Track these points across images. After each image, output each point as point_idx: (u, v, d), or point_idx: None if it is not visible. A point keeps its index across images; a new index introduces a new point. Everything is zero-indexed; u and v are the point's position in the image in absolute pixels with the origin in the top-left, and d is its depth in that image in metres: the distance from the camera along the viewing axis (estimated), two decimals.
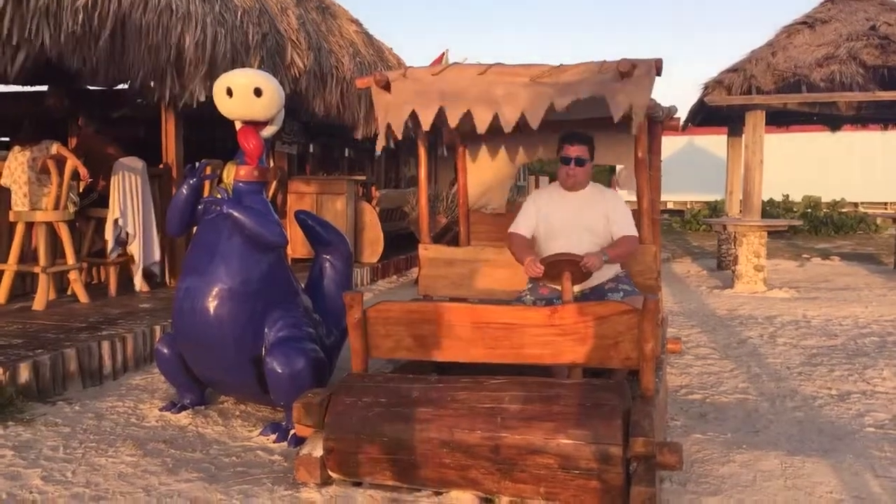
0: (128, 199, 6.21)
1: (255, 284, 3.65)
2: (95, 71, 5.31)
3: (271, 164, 8.40)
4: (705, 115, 10.12)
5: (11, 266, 5.72)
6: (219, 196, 3.76)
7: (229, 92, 3.57)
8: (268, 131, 3.81)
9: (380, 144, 3.55)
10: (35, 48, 4.57)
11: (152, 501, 2.93)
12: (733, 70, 8.87)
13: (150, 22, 5.39)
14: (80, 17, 4.79)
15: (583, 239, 3.71)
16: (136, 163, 6.35)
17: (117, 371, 4.73)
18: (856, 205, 19.11)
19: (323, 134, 10.15)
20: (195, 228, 3.87)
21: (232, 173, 3.77)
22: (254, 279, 3.65)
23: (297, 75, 7.27)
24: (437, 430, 2.85)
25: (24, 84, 7.43)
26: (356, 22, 9.60)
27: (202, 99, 5.94)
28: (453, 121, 3.34)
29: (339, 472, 3.01)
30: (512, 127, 3.31)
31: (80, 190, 6.37)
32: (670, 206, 20.64)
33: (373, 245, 9.30)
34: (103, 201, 6.34)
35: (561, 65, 3.40)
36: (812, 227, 15.96)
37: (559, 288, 3.61)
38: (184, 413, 3.98)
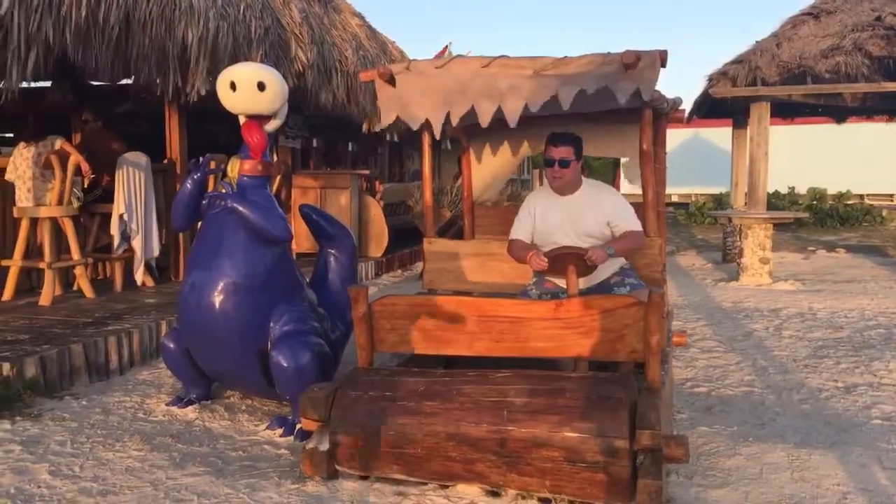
0: (132, 194, 6.22)
1: (260, 279, 3.65)
2: (99, 66, 5.31)
3: (275, 158, 8.39)
4: (710, 107, 10.09)
5: (17, 262, 5.73)
6: (223, 191, 3.76)
7: (233, 86, 3.57)
8: (271, 125, 3.80)
9: (384, 124, 3.51)
10: (41, 43, 4.57)
11: (159, 495, 2.94)
12: (738, 62, 8.84)
13: (154, 16, 5.38)
14: (84, 12, 4.79)
15: (581, 244, 3.67)
16: (141, 158, 6.36)
17: (124, 366, 4.74)
18: (861, 197, 19.03)
19: (326, 128, 10.13)
20: (200, 223, 3.87)
21: (236, 168, 3.77)
22: (259, 273, 3.65)
23: (301, 69, 7.26)
24: (443, 423, 2.85)
25: (28, 80, 7.43)
26: (359, 15, 9.58)
27: (202, 93, 5.93)
28: (456, 119, 3.33)
29: (345, 466, 3.01)
30: (516, 122, 3.29)
31: (85, 185, 6.38)
32: (675, 198, 20.59)
33: (377, 239, 9.30)
34: (108, 196, 6.34)
35: (565, 57, 3.37)
36: (817, 219, 15.90)
37: (564, 283, 3.60)
38: (190, 407, 3.99)
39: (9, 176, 5.84)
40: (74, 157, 5.75)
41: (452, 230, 7.74)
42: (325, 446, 3.02)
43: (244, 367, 3.71)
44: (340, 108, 8.18)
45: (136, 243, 6.28)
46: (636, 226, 3.70)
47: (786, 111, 10.90)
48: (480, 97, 3.33)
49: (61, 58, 5.06)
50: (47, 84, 7.64)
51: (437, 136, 3.47)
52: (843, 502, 2.83)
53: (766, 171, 8.75)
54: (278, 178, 8.06)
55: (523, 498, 2.84)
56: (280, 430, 3.65)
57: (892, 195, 19.39)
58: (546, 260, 3.49)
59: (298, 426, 3.50)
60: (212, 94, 4.41)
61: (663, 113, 4.15)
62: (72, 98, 7.72)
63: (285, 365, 3.54)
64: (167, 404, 4.04)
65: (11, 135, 10.03)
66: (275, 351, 3.58)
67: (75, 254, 5.83)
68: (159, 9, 5.41)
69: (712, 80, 8.94)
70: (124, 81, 6.71)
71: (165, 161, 6.96)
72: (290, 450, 3.42)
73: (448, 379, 3.04)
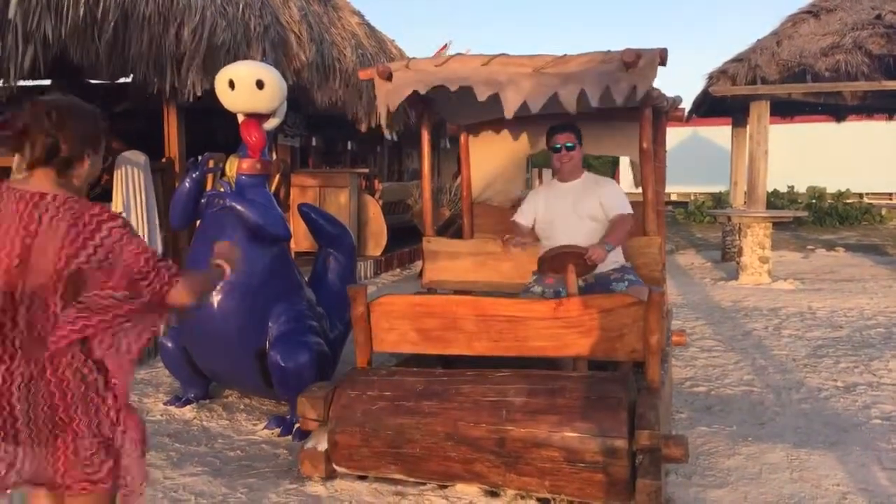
0: (131, 193, 6.20)
1: (259, 278, 3.64)
2: (97, 64, 5.29)
3: (274, 156, 8.38)
4: (710, 106, 10.07)
5: None
6: (222, 189, 3.74)
7: (231, 84, 3.56)
8: (270, 124, 3.79)
9: (387, 130, 3.52)
10: (39, 42, 4.55)
11: (157, 496, 2.93)
12: (738, 60, 8.81)
13: (152, 14, 5.36)
14: (82, 9, 4.77)
15: (584, 228, 3.69)
16: (139, 157, 6.33)
17: None
18: (860, 195, 19.01)
19: (325, 126, 10.11)
20: (198, 222, 3.86)
21: (235, 166, 3.76)
22: (257, 273, 3.64)
23: (300, 67, 7.24)
24: (442, 423, 2.84)
25: (26, 78, 7.42)
26: (358, 13, 9.56)
27: (199, 93, 5.92)
28: (453, 87, 3.31)
29: (344, 466, 3.00)
30: (514, 112, 3.26)
31: None
32: (674, 197, 20.56)
33: (376, 238, 9.28)
34: (106, 196, 6.32)
35: (565, 55, 3.37)
36: (816, 218, 15.89)
37: (559, 276, 3.60)
38: (188, 407, 3.98)
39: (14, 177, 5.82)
40: None
41: (452, 229, 7.72)
42: (323, 446, 3.02)
43: (242, 366, 3.70)
44: (339, 107, 8.17)
45: None
46: (625, 208, 3.73)
47: (785, 110, 10.88)
48: (479, 84, 3.32)
49: (59, 56, 5.04)
50: (46, 82, 7.62)
51: (423, 91, 3.42)
52: (842, 503, 2.82)
53: (766, 170, 8.73)
54: (277, 176, 8.05)
55: (522, 498, 2.83)
56: (278, 430, 3.64)
57: (891, 194, 19.38)
58: (513, 246, 3.53)
59: (297, 426, 3.49)
60: (210, 92, 4.40)
61: (663, 111, 4.14)
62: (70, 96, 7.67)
63: (283, 364, 3.53)
64: (165, 404, 4.04)
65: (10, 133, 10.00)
66: (273, 350, 3.57)
67: None
68: (157, 6, 5.39)
69: (712, 78, 8.91)
70: (122, 80, 6.69)
71: (164, 159, 6.94)
72: (289, 449, 3.41)
73: (447, 378, 3.03)
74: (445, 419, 2.84)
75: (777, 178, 14.81)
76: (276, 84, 3.63)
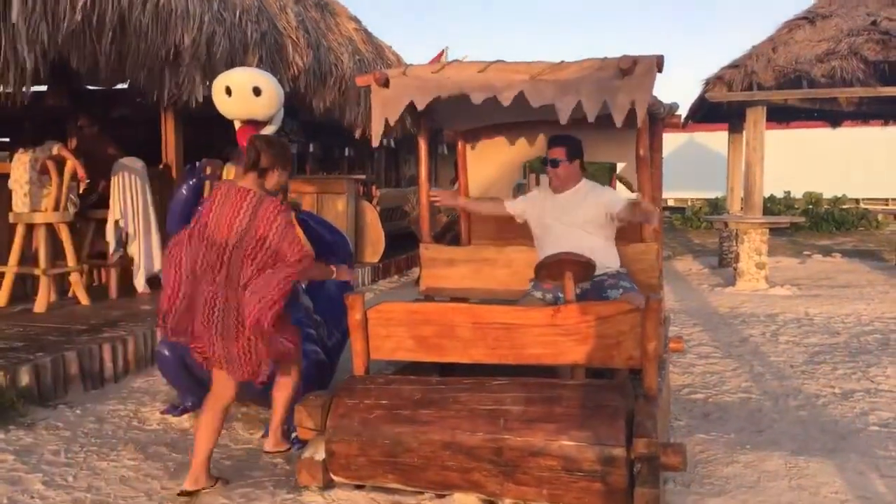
0: (128, 199, 6.19)
1: None
2: (95, 71, 5.29)
3: None
4: (706, 112, 10.09)
5: (12, 268, 5.71)
6: None
7: (228, 91, 3.56)
8: (267, 130, 3.79)
9: (376, 140, 3.51)
10: (37, 48, 4.55)
11: None
12: (734, 66, 8.83)
13: (149, 21, 5.36)
14: (80, 16, 4.77)
15: (573, 237, 3.70)
16: (136, 163, 6.33)
17: (118, 374, 4.71)
18: (857, 201, 19.04)
19: (322, 133, 10.12)
20: None
21: (232, 173, 3.76)
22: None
23: (297, 74, 7.25)
24: (439, 432, 2.83)
25: (28, 85, 7.41)
26: (355, 19, 9.57)
27: (200, 99, 5.92)
28: (448, 94, 3.31)
29: (341, 476, 2.99)
30: (510, 101, 3.25)
31: (81, 191, 6.35)
32: (671, 202, 20.58)
33: (373, 245, 9.28)
34: (104, 202, 6.32)
35: (561, 62, 3.37)
36: (813, 223, 15.91)
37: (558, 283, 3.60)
38: (185, 416, 3.96)
39: (10, 183, 5.80)
40: (71, 163, 5.72)
41: (449, 236, 7.71)
42: (320, 455, 3.00)
43: None
44: (336, 113, 8.17)
45: (134, 249, 6.24)
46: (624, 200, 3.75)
47: (781, 115, 10.91)
48: (475, 90, 3.32)
49: (57, 62, 5.04)
50: (43, 89, 7.61)
51: (420, 107, 3.42)
52: None
53: (762, 176, 8.75)
54: None
55: None
56: None
57: (887, 199, 19.42)
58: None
59: (294, 434, 3.47)
60: (208, 98, 4.40)
61: (659, 118, 4.15)
62: (68, 103, 7.70)
63: None
64: (162, 412, 4.02)
65: (7, 139, 10.00)
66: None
67: (71, 260, 5.80)
68: (155, 13, 5.39)
69: (708, 84, 8.93)
70: (120, 86, 6.69)
71: (161, 166, 6.94)
72: (286, 458, 3.40)
73: (444, 387, 3.02)
74: (443, 428, 2.83)
75: (773, 183, 14.84)
76: (272, 91, 3.63)
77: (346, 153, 11.46)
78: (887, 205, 18.80)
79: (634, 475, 2.67)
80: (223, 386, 3.10)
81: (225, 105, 3.63)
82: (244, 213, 2.96)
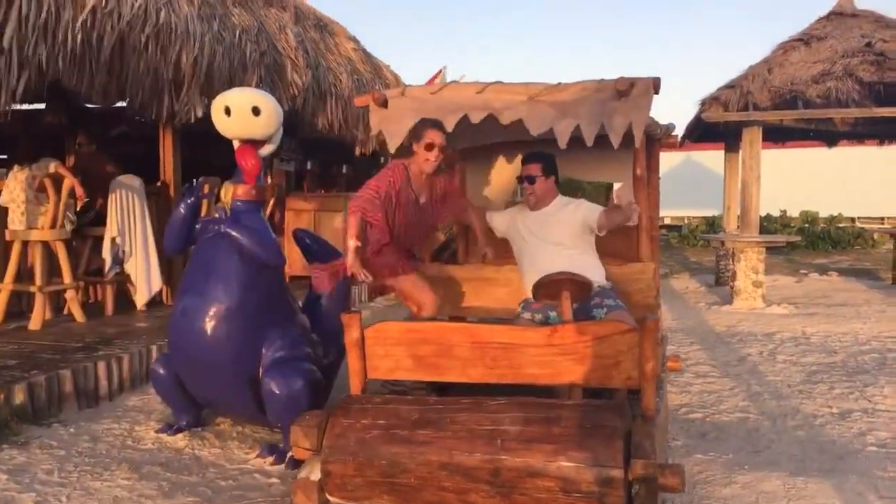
0: (126, 217, 6.19)
1: (253, 304, 3.63)
2: (94, 89, 5.31)
3: (269, 181, 8.38)
4: (703, 131, 10.15)
5: (7, 285, 5.69)
6: (217, 215, 3.74)
7: (227, 111, 3.56)
8: (266, 150, 3.80)
9: (368, 147, 3.57)
10: (34, 67, 4.57)
11: None
12: (730, 87, 8.90)
13: (149, 40, 5.39)
14: (80, 35, 4.80)
15: (554, 253, 3.70)
16: (134, 181, 6.34)
17: (113, 392, 4.69)
18: (853, 220, 19.12)
19: (320, 150, 10.15)
20: (193, 248, 3.85)
21: (230, 192, 3.76)
22: (251, 298, 3.62)
23: (296, 93, 7.29)
24: (437, 452, 2.81)
25: (21, 102, 7.44)
26: (354, 39, 9.64)
27: (199, 116, 5.94)
28: (450, 125, 3.34)
29: (337, 496, 2.96)
30: (509, 121, 3.27)
31: (78, 208, 6.36)
32: (668, 221, 20.65)
33: None
34: (100, 219, 6.31)
35: (559, 83, 3.40)
36: (809, 242, 15.96)
37: (553, 303, 3.60)
38: (180, 435, 3.94)
39: (3, 200, 5.80)
40: (69, 181, 5.72)
41: (446, 254, 7.72)
42: (316, 476, 2.98)
43: (235, 393, 3.67)
44: (335, 132, 8.20)
45: (131, 266, 6.23)
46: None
47: (777, 135, 10.97)
48: (474, 111, 3.34)
49: (55, 80, 5.06)
50: (41, 106, 7.64)
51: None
52: None
53: (759, 195, 8.79)
54: (271, 200, 8.06)
55: None
56: (271, 459, 3.61)
57: (882, 218, 19.49)
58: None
59: (290, 454, 3.46)
60: (206, 117, 4.41)
61: (656, 138, 4.17)
62: (66, 120, 7.71)
63: (277, 391, 3.50)
64: (157, 431, 3.99)
65: (5, 156, 10.01)
66: (267, 377, 3.55)
67: (67, 277, 5.79)
68: (154, 33, 5.43)
69: (704, 104, 8.99)
70: (119, 104, 6.71)
71: (159, 183, 6.95)
72: (281, 479, 3.38)
73: (441, 407, 3.00)
74: (440, 448, 2.81)
75: (769, 202, 14.89)
76: (272, 111, 3.64)
77: (344, 171, 11.49)
78: (883, 223, 18.86)
79: (633, 496, 2.65)
80: None
81: (224, 125, 3.63)
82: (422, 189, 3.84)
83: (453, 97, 3.45)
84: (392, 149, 3.46)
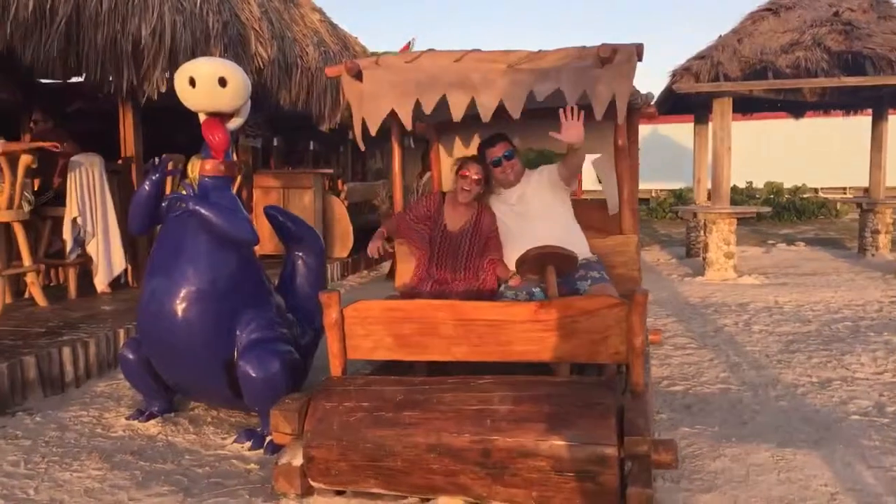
0: (86, 196, 5.95)
1: (225, 284, 3.48)
2: (48, 63, 5.05)
3: (235, 157, 8.15)
4: (673, 103, 10.11)
5: None
6: (184, 192, 3.57)
7: (192, 82, 3.38)
8: (234, 123, 3.64)
9: (359, 140, 3.42)
10: None
11: None
12: (700, 57, 8.86)
13: (105, 10, 5.13)
14: (31, 5, 4.54)
15: (535, 228, 3.63)
16: (94, 158, 6.08)
17: (80, 378, 4.51)
18: (816, 190, 19.38)
19: (287, 126, 9.90)
20: (159, 227, 3.68)
21: (197, 168, 3.59)
22: (223, 279, 3.48)
23: (261, 66, 7.04)
24: (424, 434, 2.72)
25: None
26: (319, 10, 9.37)
27: (163, 90, 5.71)
28: (429, 108, 3.21)
29: (321, 481, 2.87)
30: (490, 116, 3.18)
31: (35, 188, 6.09)
32: None
33: (342, 239, 9.12)
34: (60, 199, 6.06)
35: (540, 50, 3.28)
36: (775, 212, 16.14)
37: (534, 278, 3.53)
38: (152, 421, 3.79)
39: None
40: (25, 158, 5.45)
41: None
42: (298, 461, 2.88)
43: (209, 377, 3.53)
44: (301, 106, 7.98)
45: (93, 248, 6.01)
46: None
47: (745, 107, 10.99)
48: (453, 88, 3.21)
49: (6, 53, 4.80)
50: None
51: (409, 127, 3.34)
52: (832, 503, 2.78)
53: (730, 167, 8.79)
54: (238, 178, 7.84)
55: None
56: (249, 444, 3.49)
57: (845, 188, 19.79)
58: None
59: (268, 438, 3.34)
60: (169, 91, 4.22)
61: (636, 108, 4.08)
62: (20, 97, 7.40)
63: (253, 375, 3.37)
64: (127, 418, 3.84)
65: None
66: (242, 360, 3.42)
67: (26, 260, 5.55)
68: (110, 2, 5.17)
69: (675, 75, 8.94)
70: (75, 79, 6.42)
71: (120, 161, 6.69)
72: (260, 464, 3.26)
73: (427, 387, 2.91)
74: (427, 430, 2.72)
75: (736, 174, 14.96)
76: (239, 81, 3.47)
77: (311, 147, 11.25)
78: (845, 193, 19.14)
79: (625, 474, 2.59)
80: None
81: (188, 96, 3.45)
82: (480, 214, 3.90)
83: (430, 67, 3.31)
84: (373, 133, 3.33)
